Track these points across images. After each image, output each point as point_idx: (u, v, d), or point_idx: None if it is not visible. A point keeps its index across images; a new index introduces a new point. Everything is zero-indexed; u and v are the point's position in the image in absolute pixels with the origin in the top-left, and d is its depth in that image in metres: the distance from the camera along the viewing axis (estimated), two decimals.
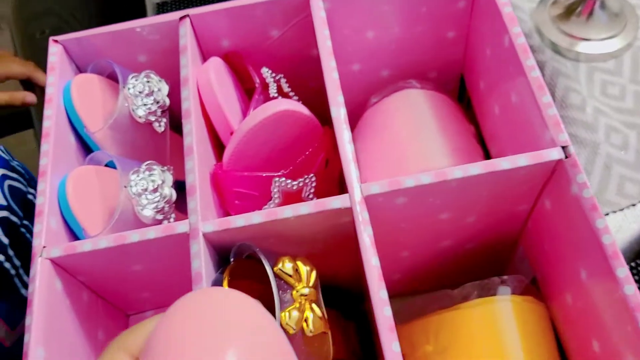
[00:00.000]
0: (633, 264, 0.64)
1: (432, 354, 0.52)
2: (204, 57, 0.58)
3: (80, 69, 0.57)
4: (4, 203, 0.62)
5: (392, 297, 0.63)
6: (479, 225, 0.52)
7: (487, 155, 0.60)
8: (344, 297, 0.60)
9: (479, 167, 0.44)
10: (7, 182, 0.65)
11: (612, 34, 0.81)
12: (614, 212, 0.68)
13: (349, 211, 0.44)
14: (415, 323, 0.54)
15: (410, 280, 0.60)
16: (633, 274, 0.64)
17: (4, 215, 0.61)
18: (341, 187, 0.57)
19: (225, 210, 0.52)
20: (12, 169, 0.67)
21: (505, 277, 0.51)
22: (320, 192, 0.53)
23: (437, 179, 0.44)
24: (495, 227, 0.53)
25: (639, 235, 0.67)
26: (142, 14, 0.95)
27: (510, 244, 0.57)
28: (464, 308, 0.51)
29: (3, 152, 0.69)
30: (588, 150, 0.72)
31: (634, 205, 0.69)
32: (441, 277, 0.60)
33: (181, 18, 0.54)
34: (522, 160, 0.44)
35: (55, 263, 0.44)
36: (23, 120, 0.97)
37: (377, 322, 0.39)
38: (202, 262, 0.42)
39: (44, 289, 0.42)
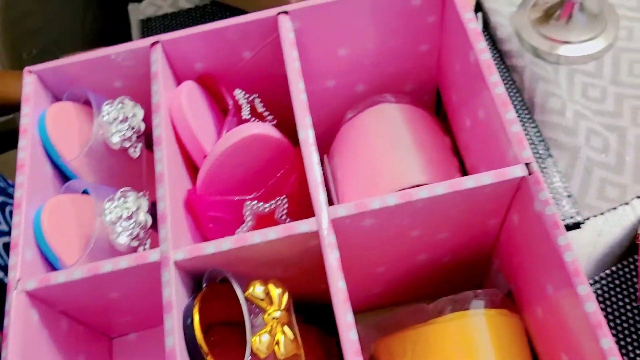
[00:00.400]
0: (614, 268, 0.64)
1: None
2: (178, 81, 0.58)
3: (56, 97, 0.58)
4: (6, 229, 0.63)
5: (374, 309, 0.64)
6: (452, 240, 0.52)
7: (464, 167, 0.61)
8: (324, 311, 0.61)
9: (444, 187, 0.44)
10: (8, 208, 0.66)
11: (593, 35, 0.81)
12: (595, 216, 0.69)
13: (316, 234, 0.44)
14: (394, 336, 0.55)
15: (390, 294, 0.61)
16: (614, 278, 0.64)
17: (7, 241, 0.63)
18: None
19: (202, 233, 0.53)
20: (10, 196, 0.68)
21: (479, 291, 0.52)
22: (295, 213, 0.54)
23: (403, 199, 0.44)
24: (469, 242, 0.53)
25: (620, 239, 0.68)
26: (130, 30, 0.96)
27: (485, 257, 0.57)
28: (438, 323, 0.51)
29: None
30: (569, 155, 0.72)
31: (614, 208, 0.69)
32: (421, 288, 0.61)
33: (152, 44, 0.55)
34: (485, 178, 0.44)
35: (32, 295, 0.45)
36: (13, 137, 0.98)
37: (343, 346, 0.40)
38: (172, 290, 0.43)
39: (19, 322, 0.43)
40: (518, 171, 0.44)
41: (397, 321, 0.57)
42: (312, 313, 0.59)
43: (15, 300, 0.44)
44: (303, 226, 0.44)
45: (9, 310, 0.43)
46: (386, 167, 0.58)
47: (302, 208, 0.55)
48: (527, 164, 0.45)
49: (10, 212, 0.66)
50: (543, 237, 0.43)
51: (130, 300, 0.50)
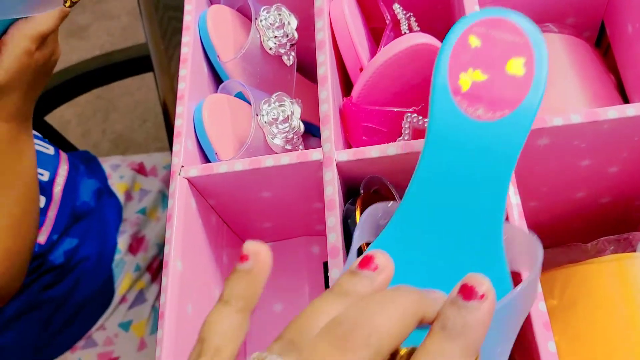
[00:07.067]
0: None
1: (556, 309, 0.50)
2: None
3: (211, 1, 0.58)
4: None
5: None
6: (619, 177, 0.49)
7: None
8: None
9: (636, 108, 0.41)
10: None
11: None
12: None
13: None
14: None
15: None
16: None
17: None
18: None
19: (351, 146, 0.52)
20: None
21: None
22: None
23: (588, 119, 0.41)
24: (638, 180, 0.49)
25: None
26: None
27: None
28: (597, 263, 0.48)
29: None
30: None
31: None
32: (566, 233, 0.57)
33: None
34: None
35: (192, 182, 0.45)
36: (143, 63, 1.00)
37: None
38: (335, 189, 0.42)
39: (182, 206, 0.43)
40: None
41: (545, 260, 0.53)
42: None
43: (179, 185, 0.44)
44: None
45: (172, 192, 0.44)
46: (547, 102, 0.54)
47: None
48: None
49: None
50: None
51: (279, 203, 0.50)
